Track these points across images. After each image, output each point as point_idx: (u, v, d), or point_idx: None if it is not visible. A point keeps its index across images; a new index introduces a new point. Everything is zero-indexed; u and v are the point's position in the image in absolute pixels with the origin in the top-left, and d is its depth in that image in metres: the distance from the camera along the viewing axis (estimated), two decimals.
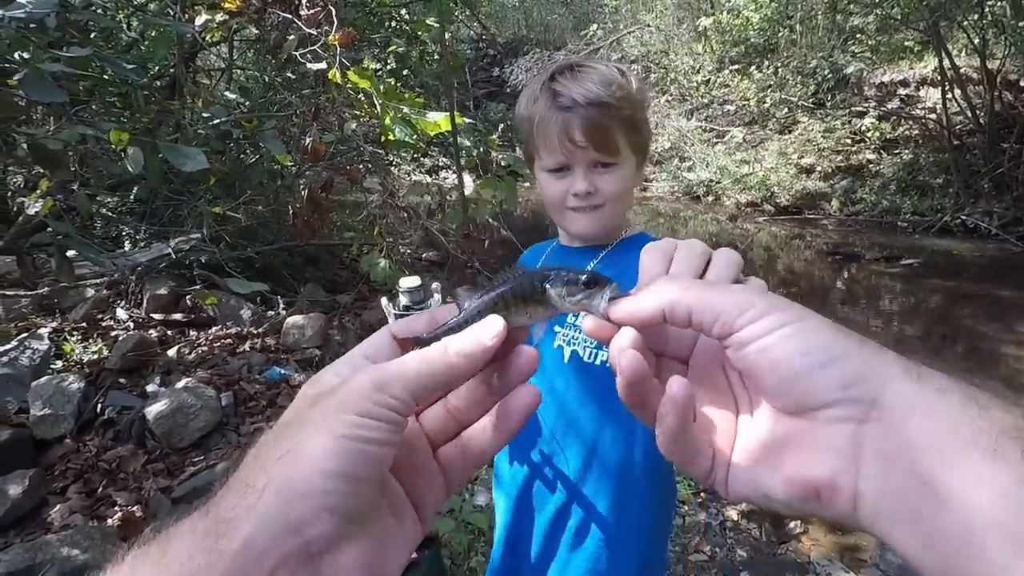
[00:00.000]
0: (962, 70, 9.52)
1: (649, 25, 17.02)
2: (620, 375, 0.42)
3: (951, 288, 7.06)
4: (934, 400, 0.34)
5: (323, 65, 2.93)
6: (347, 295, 5.28)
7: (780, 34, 13.37)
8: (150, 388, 3.29)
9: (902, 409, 0.34)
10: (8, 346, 3.24)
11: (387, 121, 2.89)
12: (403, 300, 1.34)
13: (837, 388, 0.36)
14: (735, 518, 2.94)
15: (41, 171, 2.85)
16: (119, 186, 4.38)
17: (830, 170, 10.81)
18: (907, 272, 7.56)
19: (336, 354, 3.70)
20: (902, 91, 11.01)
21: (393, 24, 5.79)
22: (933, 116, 10.05)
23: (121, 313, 4.09)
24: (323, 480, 0.35)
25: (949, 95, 9.43)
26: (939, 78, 9.49)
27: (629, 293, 0.46)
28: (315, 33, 2.99)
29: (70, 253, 2.50)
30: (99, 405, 3.08)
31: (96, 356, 3.50)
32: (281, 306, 4.68)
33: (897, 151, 10.46)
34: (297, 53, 3.09)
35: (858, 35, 11.47)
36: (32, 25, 1.90)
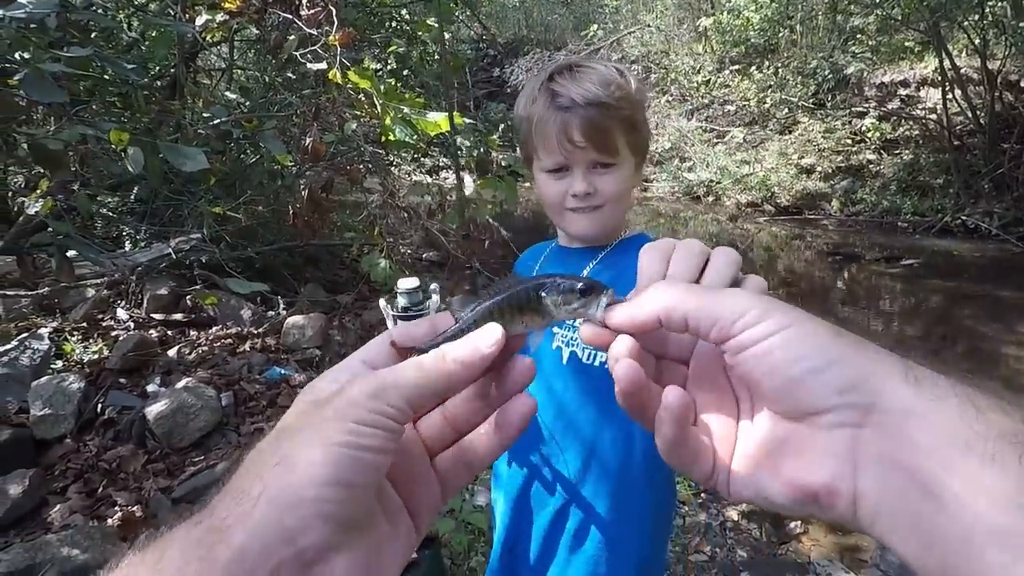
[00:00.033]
0: (962, 70, 9.52)
1: (649, 25, 17.02)
2: (617, 384, 0.42)
3: (951, 288, 7.06)
4: (932, 404, 0.34)
5: (323, 65, 2.93)
6: (347, 295, 5.28)
7: (780, 34, 13.36)
8: (150, 388, 3.29)
9: (900, 413, 0.34)
10: (8, 346, 3.24)
11: (387, 121, 2.89)
12: (401, 301, 1.33)
13: (834, 393, 0.36)
14: (735, 518, 2.94)
15: (41, 171, 2.85)
16: (119, 186, 4.38)
17: (830, 170, 10.81)
18: (907, 272, 7.55)
19: (336, 354, 3.72)
20: (902, 91, 11.01)
21: (393, 24, 5.79)
22: (933, 116, 10.04)
23: (121, 313, 4.09)
24: (318, 488, 0.35)
25: (949, 95, 9.42)
26: (939, 78, 9.48)
27: (626, 298, 0.46)
28: (315, 33, 2.99)
29: (70, 253, 2.50)
30: (99, 405, 3.08)
31: (96, 356, 3.50)
32: (281, 306, 4.68)
33: (897, 151, 10.46)
34: (297, 53, 3.09)
35: (858, 35, 11.47)
36: (32, 25, 1.90)
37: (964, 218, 8.75)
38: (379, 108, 2.91)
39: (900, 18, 9.94)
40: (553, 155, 1.17)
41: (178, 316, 4.23)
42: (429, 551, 1.88)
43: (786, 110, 12.40)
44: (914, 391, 0.34)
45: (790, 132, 12.18)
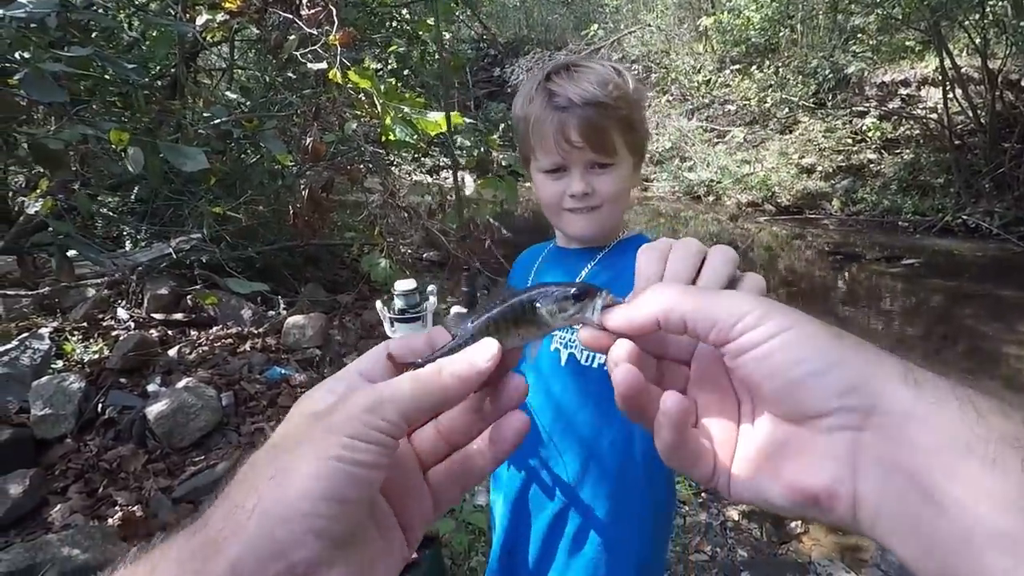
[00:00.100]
0: (963, 70, 9.51)
1: (650, 25, 17.01)
2: (615, 389, 0.42)
3: (952, 288, 7.05)
4: (932, 407, 0.34)
5: (324, 65, 2.93)
6: (348, 295, 5.28)
7: (781, 34, 13.35)
8: (151, 388, 3.29)
9: (900, 416, 0.34)
10: (9, 346, 3.24)
11: (388, 121, 2.89)
12: (398, 303, 1.33)
13: (834, 397, 0.36)
14: (736, 518, 2.94)
15: (42, 171, 2.85)
16: (120, 186, 4.38)
17: (831, 170, 10.80)
18: (908, 272, 7.55)
19: (336, 354, 3.71)
20: (903, 91, 11.00)
21: (394, 24, 5.79)
22: (934, 116, 10.04)
23: (122, 313, 4.09)
24: (312, 503, 0.35)
25: (950, 95, 9.42)
26: (940, 78, 9.48)
27: (624, 300, 0.46)
28: (316, 33, 2.99)
29: (71, 253, 2.51)
30: (100, 405, 3.08)
31: (97, 356, 3.50)
32: (282, 306, 4.68)
33: (898, 151, 10.45)
34: (298, 53, 3.09)
35: (859, 35, 11.45)
36: (33, 25, 1.90)
37: (965, 217, 8.74)
38: (379, 108, 2.91)
39: (901, 17, 9.93)
40: (550, 155, 1.16)
41: (179, 316, 4.23)
42: (429, 551, 1.87)
43: (787, 110, 12.39)
44: (914, 394, 0.34)
45: (791, 132, 12.17)
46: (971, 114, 9.36)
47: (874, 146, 10.70)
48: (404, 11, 5.71)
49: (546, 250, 1.37)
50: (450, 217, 4.61)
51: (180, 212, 4.24)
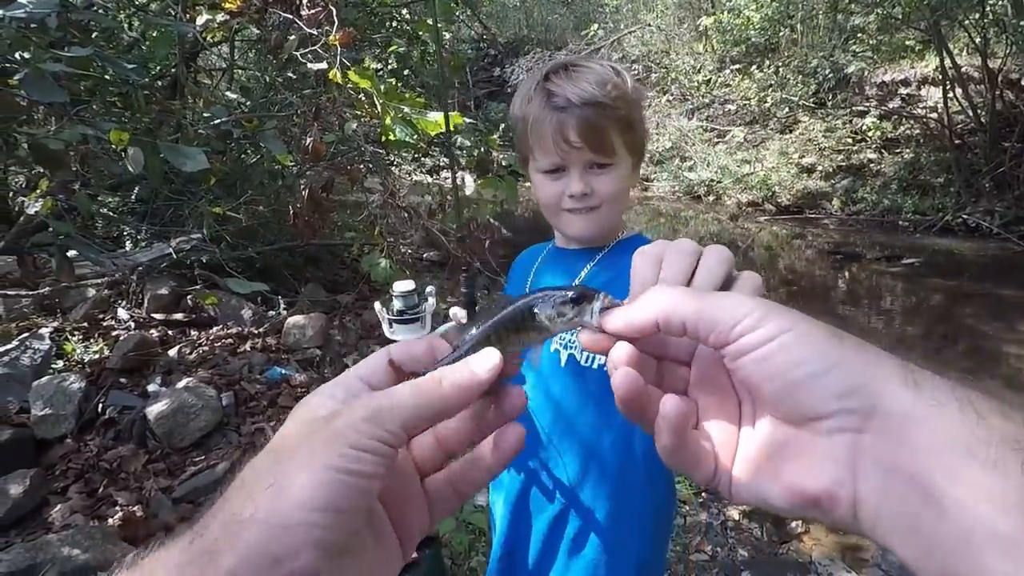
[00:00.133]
0: (963, 69, 9.51)
1: (650, 25, 17.02)
2: (615, 392, 0.42)
3: (952, 287, 7.05)
4: (932, 409, 0.33)
5: (324, 65, 2.93)
6: (348, 295, 5.28)
7: (781, 33, 13.35)
8: (151, 388, 3.29)
9: (900, 418, 0.34)
10: (9, 346, 3.25)
11: (388, 121, 2.89)
12: (396, 304, 1.33)
13: (833, 399, 0.36)
14: (736, 518, 2.94)
15: (42, 171, 2.85)
16: (120, 186, 4.38)
17: (831, 169, 10.80)
18: (908, 271, 7.55)
19: (337, 354, 3.71)
20: (903, 90, 11.00)
21: (394, 24, 5.79)
22: (934, 115, 10.04)
23: (122, 313, 4.09)
24: (309, 513, 0.35)
25: (950, 94, 9.42)
26: (940, 77, 9.48)
27: (621, 302, 0.46)
28: (316, 33, 2.99)
29: (71, 253, 2.50)
30: (100, 405, 3.08)
31: (97, 356, 3.50)
32: (282, 306, 4.68)
33: (898, 150, 10.45)
34: (298, 53, 3.09)
35: (859, 34, 11.45)
36: (33, 25, 1.90)
37: (965, 217, 8.74)
38: (379, 108, 2.90)
39: (901, 17, 9.92)
40: (549, 155, 1.16)
41: (179, 316, 4.23)
42: (430, 551, 1.87)
43: (787, 109, 12.39)
44: (914, 395, 0.34)
45: (791, 131, 12.17)
46: (971, 113, 9.35)
47: (874, 145, 10.70)
48: (404, 11, 5.71)
49: (545, 250, 1.36)
50: (450, 217, 4.61)
51: (180, 212, 4.24)
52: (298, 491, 0.35)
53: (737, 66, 14.00)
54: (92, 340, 3.66)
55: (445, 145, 5.27)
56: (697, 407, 0.46)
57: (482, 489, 0.63)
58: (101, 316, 4.04)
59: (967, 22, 9.10)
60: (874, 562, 2.62)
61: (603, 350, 0.45)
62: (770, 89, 12.79)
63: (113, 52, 3.13)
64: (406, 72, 6.06)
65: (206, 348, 3.90)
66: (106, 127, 2.17)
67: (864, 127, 10.83)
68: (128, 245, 4.44)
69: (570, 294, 0.46)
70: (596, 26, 17.41)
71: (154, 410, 2.97)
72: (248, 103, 4.01)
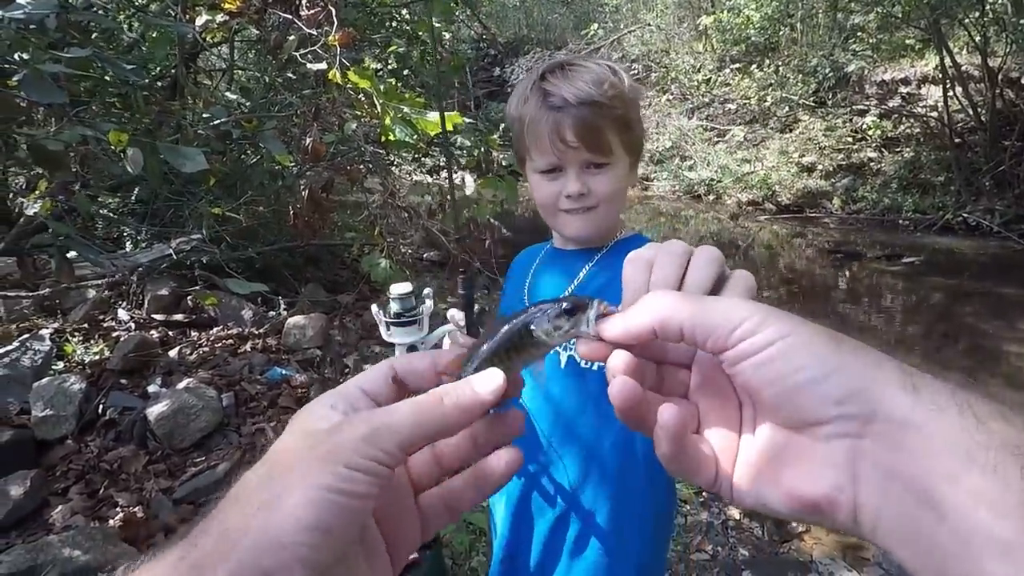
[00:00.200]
0: (963, 68, 9.51)
1: (650, 24, 17.01)
2: (612, 402, 0.42)
3: (953, 286, 7.05)
4: (931, 413, 0.33)
5: (323, 65, 2.93)
6: (348, 295, 5.29)
7: (781, 33, 13.35)
8: (151, 389, 3.29)
9: (899, 423, 0.34)
10: (10, 347, 3.25)
11: (387, 121, 2.89)
12: (394, 307, 1.33)
13: (832, 404, 0.36)
14: (737, 517, 2.94)
15: (41, 172, 2.85)
16: (120, 187, 4.38)
17: (831, 168, 10.80)
18: (909, 270, 7.55)
19: (337, 354, 3.70)
20: (903, 89, 11.00)
21: (394, 24, 5.79)
22: (934, 114, 10.03)
23: (122, 314, 4.09)
24: (301, 533, 0.35)
25: (950, 93, 9.41)
26: (940, 76, 9.47)
27: (617, 308, 0.46)
28: (315, 33, 2.98)
29: (71, 254, 2.50)
30: (100, 406, 3.08)
31: (97, 357, 3.50)
32: (282, 306, 4.68)
33: (898, 149, 10.45)
34: (297, 53, 3.08)
35: (859, 33, 11.45)
36: (32, 26, 1.90)
37: (965, 215, 8.74)
38: (379, 108, 2.90)
39: (901, 16, 9.92)
40: (546, 155, 1.15)
41: (179, 317, 4.23)
42: (430, 551, 1.87)
43: (787, 108, 12.39)
44: (913, 400, 0.34)
45: (791, 130, 12.17)
46: (971, 112, 9.35)
47: (874, 144, 10.69)
48: (404, 11, 5.71)
49: (543, 251, 1.36)
50: (449, 217, 4.61)
51: (180, 213, 4.24)
52: (290, 510, 0.35)
53: (737, 65, 14.00)
54: (92, 341, 3.67)
55: (443, 145, 5.28)
56: (698, 411, 0.46)
57: (477, 506, 0.63)
58: (101, 317, 4.04)
59: (967, 21, 9.09)
60: (875, 561, 2.62)
61: (601, 358, 0.45)
62: (770, 88, 12.79)
63: (113, 53, 3.13)
64: (406, 72, 6.05)
65: (206, 349, 3.91)
66: (106, 128, 2.16)
67: (864, 126, 10.82)
68: (128, 246, 4.44)
69: (564, 305, 0.45)
70: (596, 26, 17.40)
71: (154, 411, 2.97)
72: (248, 103, 4.00)
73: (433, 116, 2.87)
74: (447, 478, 0.48)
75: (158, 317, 4.14)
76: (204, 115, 3.37)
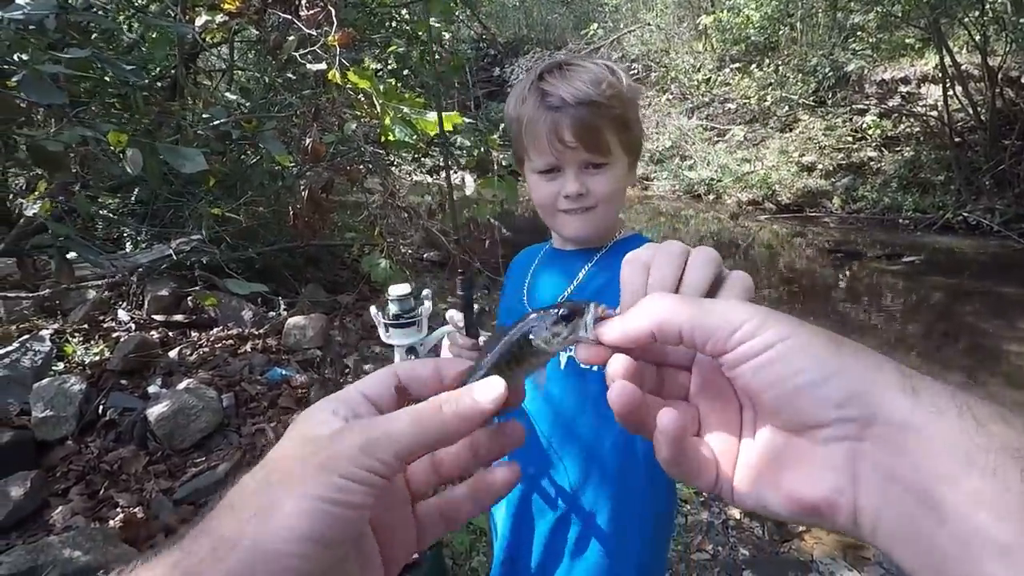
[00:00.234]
0: (963, 67, 9.51)
1: (649, 24, 17.01)
2: (612, 407, 0.42)
3: (953, 285, 7.05)
4: (931, 416, 0.33)
5: (323, 66, 2.93)
6: (348, 295, 5.29)
7: (781, 32, 13.35)
8: (151, 389, 3.29)
9: (898, 426, 0.34)
10: (10, 348, 3.25)
11: (387, 121, 2.89)
12: (392, 309, 1.32)
13: (832, 407, 0.36)
14: (738, 517, 2.94)
15: (41, 173, 2.85)
16: (120, 187, 4.38)
17: (831, 168, 10.80)
18: (909, 269, 7.55)
19: (337, 355, 3.70)
20: (903, 88, 11.00)
21: (393, 24, 5.78)
22: (934, 113, 10.03)
23: (122, 314, 4.09)
24: (294, 543, 0.34)
25: (950, 92, 9.41)
26: (940, 75, 9.47)
27: (614, 311, 0.46)
28: (315, 34, 2.98)
29: (70, 255, 2.50)
30: (101, 407, 3.08)
31: (98, 357, 3.50)
32: (282, 307, 4.68)
33: (898, 148, 10.45)
34: (297, 54, 3.08)
35: (859, 33, 11.45)
36: (31, 26, 1.90)
37: (965, 215, 8.74)
38: (379, 108, 2.90)
39: (900, 15, 9.92)
40: (544, 156, 1.15)
41: (179, 317, 4.23)
42: (431, 551, 1.87)
43: (787, 108, 12.38)
44: (912, 402, 0.34)
45: (791, 130, 12.17)
46: (971, 111, 9.35)
47: (874, 144, 10.69)
48: (404, 11, 5.70)
49: (543, 251, 1.35)
50: (449, 218, 4.60)
51: (180, 213, 4.24)
52: (284, 520, 0.35)
53: (737, 65, 14.00)
54: (93, 342, 3.67)
55: (441, 146, 5.27)
56: (698, 413, 0.46)
57: (476, 517, 0.63)
58: (101, 318, 4.04)
59: (967, 20, 9.09)
60: (875, 560, 2.62)
61: (601, 362, 0.44)
62: (770, 88, 12.79)
63: (112, 54, 3.13)
64: (405, 72, 6.05)
65: (206, 349, 3.91)
66: (105, 128, 2.16)
67: (864, 125, 10.82)
68: (128, 246, 4.44)
69: (561, 312, 0.45)
70: (596, 25, 17.40)
71: (155, 411, 2.97)
72: (247, 104, 4.00)
73: (433, 116, 2.87)
74: (445, 487, 0.48)
75: (158, 318, 4.14)
76: (204, 115, 3.37)
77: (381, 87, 2.92)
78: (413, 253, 5.94)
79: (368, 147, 4.32)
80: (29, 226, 3.10)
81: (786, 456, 0.39)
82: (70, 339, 3.63)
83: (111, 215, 4.45)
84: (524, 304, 1.29)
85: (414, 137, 2.95)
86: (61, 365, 3.38)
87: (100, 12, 3.15)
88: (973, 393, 0.35)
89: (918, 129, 10.34)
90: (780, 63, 13.03)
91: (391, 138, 2.90)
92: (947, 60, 9.16)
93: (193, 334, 4.12)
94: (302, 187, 4.44)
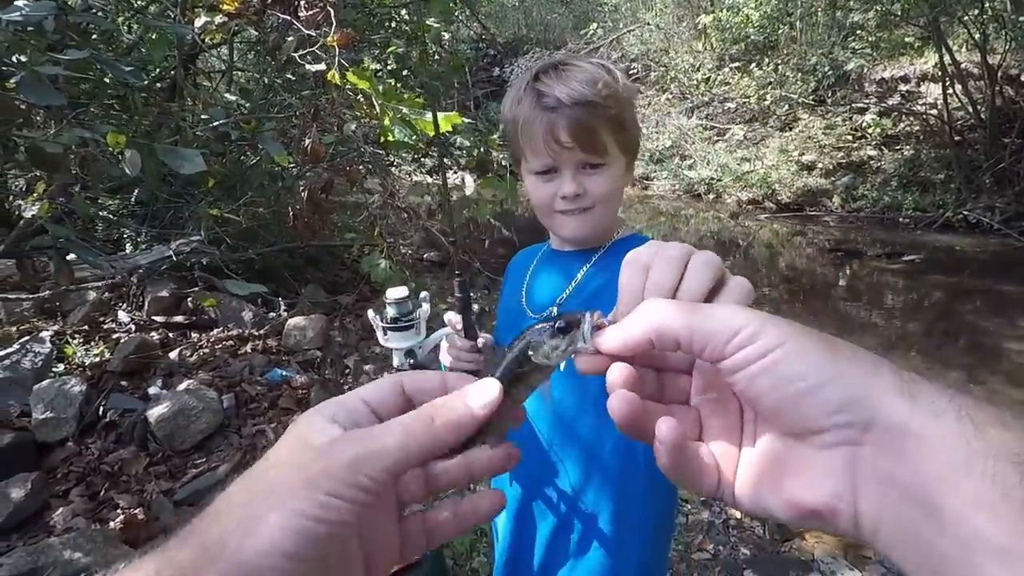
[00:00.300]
0: (963, 65, 9.50)
1: (649, 23, 17.00)
2: (612, 417, 0.42)
3: (953, 284, 7.04)
4: (929, 420, 0.33)
5: (322, 66, 2.93)
6: (348, 296, 5.29)
7: (780, 31, 13.34)
8: (152, 390, 3.29)
9: (897, 430, 0.34)
10: (10, 349, 3.25)
11: (386, 122, 2.88)
12: (390, 312, 1.32)
13: (831, 413, 0.36)
14: (738, 516, 2.93)
15: (39, 174, 2.85)
16: (120, 189, 4.38)
17: (831, 167, 10.79)
18: (909, 268, 7.54)
19: (337, 355, 3.70)
20: (903, 87, 10.98)
21: (393, 25, 5.78)
22: (934, 112, 10.02)
23: (123, 315, 4.09)
24: (276, 559, 0.35)
25: (950, 90, 9.40)
26: (940, 73, 9.46)
27: (611, 316, 0.46)
28: (314, 34, 2.98)
29: (70, 256, 2.50)
30: (101, 408, 3.09)
31: (98, 359, 3.50)
32: (282, 308, 4.68)
33: (898, 147, 10.44)
34: (296, 55, 3.08)
35: (858, 31, 11.44)
36: (30, 28, 1.89)
37: (965, 213, 8.73)
38: (378, 109, 2.90)
39: (900, 14, 9.91)
40: (540, 156, 1.14)
41: (179, 318, 4.23)
42: (431, 551, 1.87)
43: (786, 107, 12.37)
44: (910, 406, 0.34)
45: (791, 129, 12.15)
46: (971, 109, 9.34)
47: (874, 142, 10.68)
48: (403, 11, 5.70)
49: (541, 252, 1.35)
50: (445, 219, 4.60)
51: (180, 215, 4.24)
52: (267, 534, 0.35)
53: (736, 64, 13.99)
54: (93, 343, 3.67)
55: (449, 145, 5.27)
56: (699, 416, 0.46)
57: (461, 536, 0.63)
58: (102, 319, 4.04)
59: (966, 18, 9.08)
60: (877, 559, 2.62)
61: (600, 371, 0.44)
62: (769, 87, 12.78)
63: (111, 55, 3.13)
64: (405, 72, 6.05)
65: (207, 350, 3.91)
66: (104, 130, 2.16)
67: (864, 124, 10.81)
68: (128, 248, 4.44)
69: (558, 324, 0.45)
70: (595, 25, 17.38)
71: (155, 413, 2.97)
72: (247, 105, 4.00)
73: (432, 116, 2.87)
74: (435, 501, 0.48)
75: (158, 319, 4.14)
76: (203, 116, 3.37)
77: (380, 87, 2.91)
78: (413, 253, 5.94)
79: (368, 147, 4.33)
80: (29, 227, 3.10)
81: (786, 461, 0.39)
82: (70, 340, 3.63)
83: (110, 216, 4.45)
84: (522, 305, 1.28)
85: (413, 137, 2.94)
86: (61, 366, 3.39)
87: (99, 13, 3.15)
88: (971, 395, 0.35)
89: (918, 128, 10.33)
90: (780, 62, 13.02)
91: (390, 138, 2.90)
92: (947, 58, 9.15)
93: (193, 335, 4.13)
94: (302, 188, 4.43)
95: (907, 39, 11.03)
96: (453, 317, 1.27)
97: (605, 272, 1.19)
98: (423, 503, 0.48)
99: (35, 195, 2.78)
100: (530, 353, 0.46)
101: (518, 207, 4.81)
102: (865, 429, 0.35)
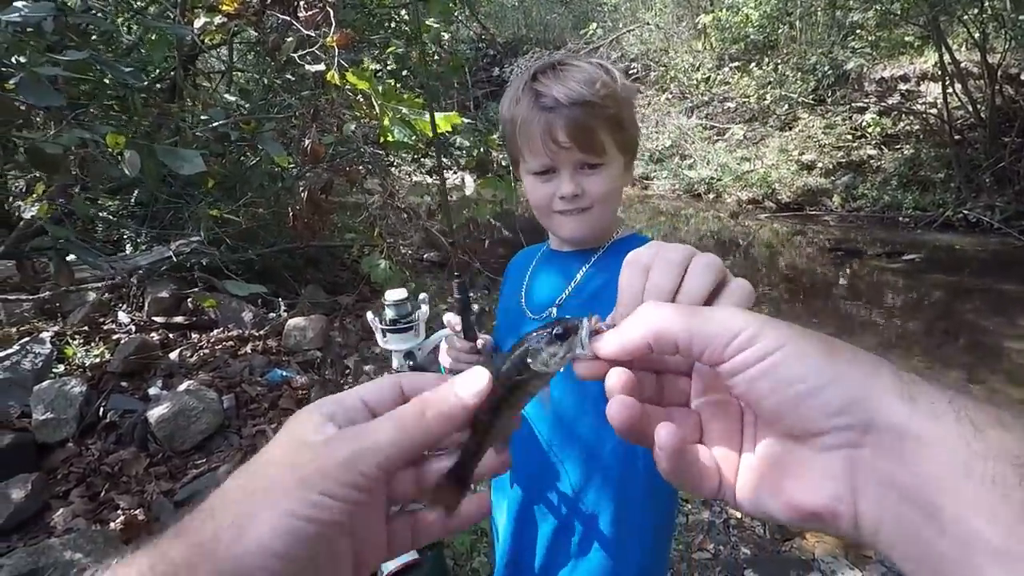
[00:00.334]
0: (962, 64, 9.49)
1: (648, 23, 17.00)
2: (611, 423, 0.42)
3: (953, 283, 7.04)
4: (928, 422, 0.33)
5: (322, 67, 2.93)
6: (348, 296, 5.29)
7: (780, 31, 13.34)
8: (152, 391, 3.29)
9: (897, 432, 0.34)
10: (10, 350, 3.25)
11: (386, 122, 2.88)
12: (389, 314, 1.31)
13: (831, 415, 0.36)
14: (739, 516, 2.93)
15: (39, 175, 2.85)
16: (119, 190, 4.38)
17: (831, 166, 10.79)
18: (909, 267, 7.54)
19: (337, 355, 3.70)
20: (902, 86, 10.98)
21: (392, 25, 5.78)
22: (934, 111, 10.02)
23: (123, 316, 4.09)
24: (266, 559, 0.35)
25: (950, 90, 9.40)
26: (939, 73, 9.45)
27: (609, 319, 0.45)
28: (314, 35, 2.98)
29: (70, 257, 2.50)
30: (101, 409, 3.09)
31: (98, 359, 3.50)
32: (282, 308, 4.68)
33: (898, 146, 10.44)
34: (296, 55, 3.08)
35: (858, 31, 11.44)
36: (29, 29, 1.89)
37: (965, 212, 8.73)
38: (378, 109, 2.90)
39: (899, 13, 9.91)
40: (539, 157, 1.14)
41: (179, 319, 4.23)
42: (432, 551, 1.87)
43: (786, 106, 12.37)
44: (910, 408, 0.34)
45: (790, 128, 12.15)
46: (971, 109, 9.34)
47: (874, 142, 10.68)
48: (403, 11, 5.69)
49: (540, 252, 1.34)
50: (444, 220, 4.60)
51: (180, 215, 4.24)
52: (258, 534, 0.35)
53: (736, 64, 13.99)
54: (93, 344, 3.67)
55: (449, 146, 5.27)
56: (699, 419, 0.46)
57: (446, 536, 0.63)
58: (102, 320, 4.04)
59: (966, 17, 9.08)
60: (877, 559, 2.62)
61: (599, 376, 0.44)
62: (769, 86, 12.77)
63: (111, 56, 3.13)
64: (404, 73, 6.05)
65: (207, 351, 3.91)
66: (104, 131, 2.16)
67: (864, 123, 10.81)
68: (128, 248, 4.44)
69: (556, 331, 0.45)
70: (595, 25, 17.38)
71: (155, 413, 2.97)
72: (246, 105, 4.00)
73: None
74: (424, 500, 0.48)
75: (158, 319, 4.14)
76: (203, 117, 3.37)
77: (380, 88, 2.91)
78: (413, 254, 5.94)
79: (367, 148, 4.33)
80: (28, 228, 3.10)
81: (786, 463, 0.39)
82: (70, 341, 3.63)
83: (110, 217, 4.45)
84: (522, 306, 1.28)
85: (413, 138, 2.94)
86: (61, 367, 3.39)
87: (98, 14, 3.15)
88: (971, 396, 0.35)
89: (918, 127, 10.33)
90: (779, 62, 13.02)
91: (390, 139, 2.90)
92: (946, 58, 9.14)
93: (193, 336, 4.13)
94: (301, 188, 4.44)
95: (907, 38, 11.03)
96: (452, 318, 1.26)
97: (605, 272, 1.18)
98: (421, 503, 0.48)
99: (35, 196, 2.78)
100: (528, 360, 0.45)
101: (518, 207, 4.81)
102: (865, 431, 0.35)
